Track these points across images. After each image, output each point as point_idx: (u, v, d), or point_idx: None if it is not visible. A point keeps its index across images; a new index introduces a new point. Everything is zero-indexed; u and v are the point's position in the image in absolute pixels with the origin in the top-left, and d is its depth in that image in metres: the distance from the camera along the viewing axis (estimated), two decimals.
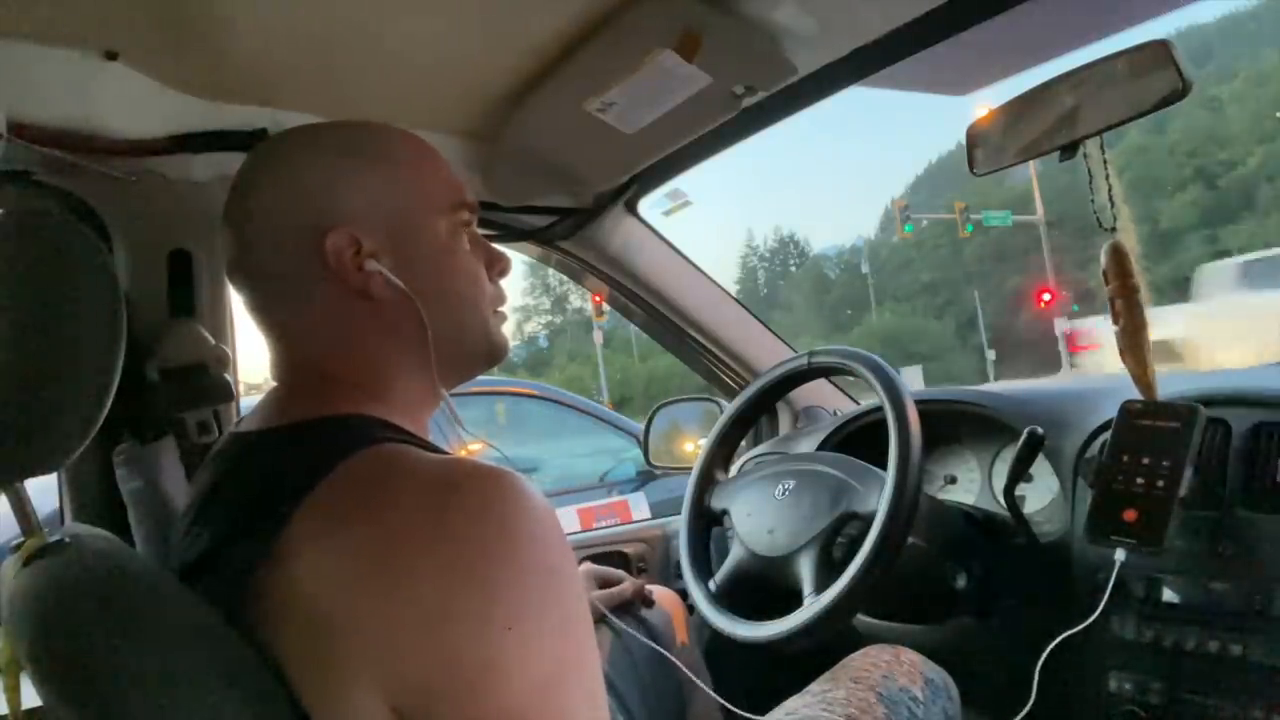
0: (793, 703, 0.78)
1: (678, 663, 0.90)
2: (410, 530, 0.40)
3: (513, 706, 0.37)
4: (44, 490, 0.60)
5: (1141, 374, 0.80)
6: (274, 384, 0.57)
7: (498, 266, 0.61)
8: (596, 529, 1.45)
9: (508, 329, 0.64)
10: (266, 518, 0.42)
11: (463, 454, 0.57)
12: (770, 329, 1.43)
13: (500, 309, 0.61)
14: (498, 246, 0.62)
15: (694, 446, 1.46)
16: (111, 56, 0.73)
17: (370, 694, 0.38)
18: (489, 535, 0.39)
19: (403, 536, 0.39)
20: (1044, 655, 0.78)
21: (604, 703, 0.42)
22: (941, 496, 1.09)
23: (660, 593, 1.04)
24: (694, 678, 0.89)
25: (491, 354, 0.60)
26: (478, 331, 0.59)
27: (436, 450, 0.49)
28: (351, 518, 0.41)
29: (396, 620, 0.38)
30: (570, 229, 1.20)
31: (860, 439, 1.16)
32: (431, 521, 0.40)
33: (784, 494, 0.93)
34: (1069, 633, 0.78)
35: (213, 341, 0.88)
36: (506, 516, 0.40)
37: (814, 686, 0.80)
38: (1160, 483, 0.76)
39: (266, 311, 0.56)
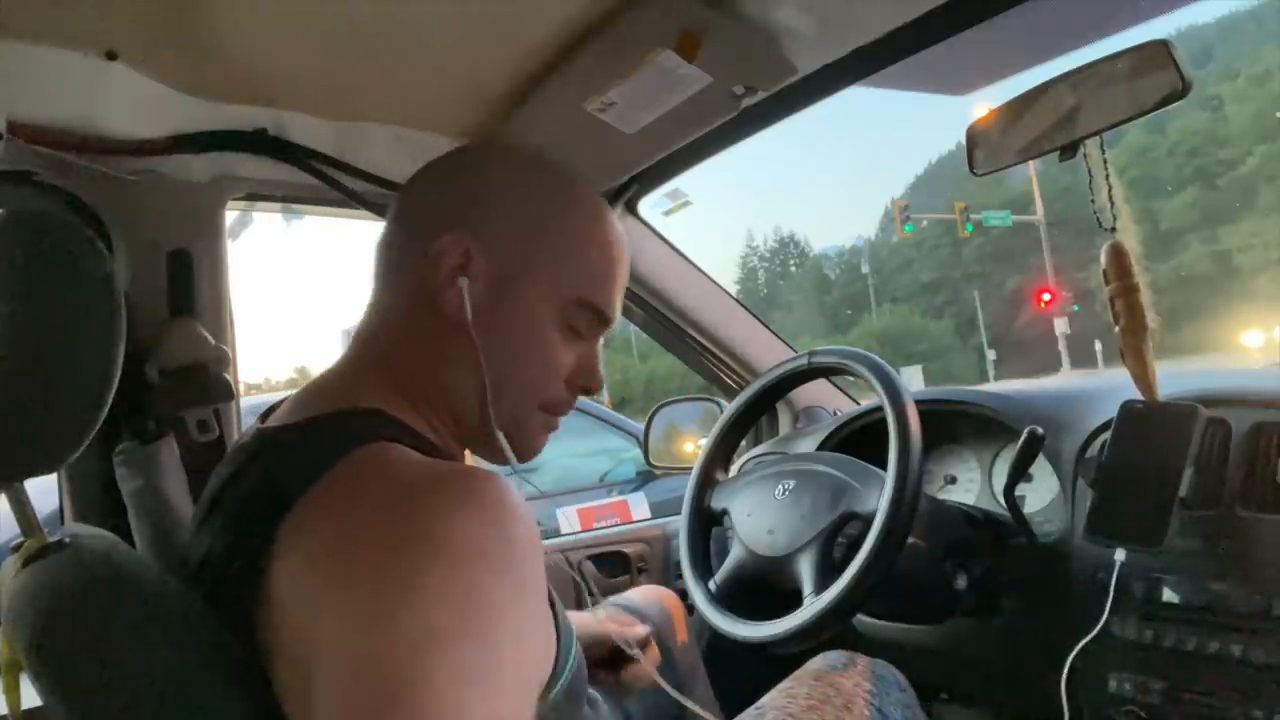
0: (765, 700, 0.80)
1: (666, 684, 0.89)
2: (368, 533, 0.38)
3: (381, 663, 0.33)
4: (44, 491, 0.60)
5: (1142, 374, 0.80)
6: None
7: (585, 383, 0.57)
8: (597, 529, 1.45)
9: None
10: (264, 521, 0.42)
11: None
12: (770, 329, 1.43)
13: (553, 416, 0.58)
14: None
15: (694, 446, 1.46)
16: (111, 56, 0.73)
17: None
18: (435, 533, 0.37)
19: (361, 540, 0.38)
20: (1066, 665, 0.78)
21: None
22: (941, 496, 1.09)
23: (660, 593, 1.04)
24: (684, 700, 0.88)
25: (509, 441, 0.55)
26: (507, 414, 0.55)
27: (441, 453, 0.48)
28: (325, 525, 0.40)
29: (336, 625, 0.36)
30: None
31: (860, 439, 1.16)
32: (389, 520, 0.38)
33: (784, 494, 0.93)
34: (1085, 640, 0.78)
35: (213, 341, 0.88)
36: (463, 517, 0.38)
37: (782, 684, 0.82)
38: (1160, 483, 0.76)
39: (375, 273, 0.57)
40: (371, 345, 0.56)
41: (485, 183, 0.55)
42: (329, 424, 0.48)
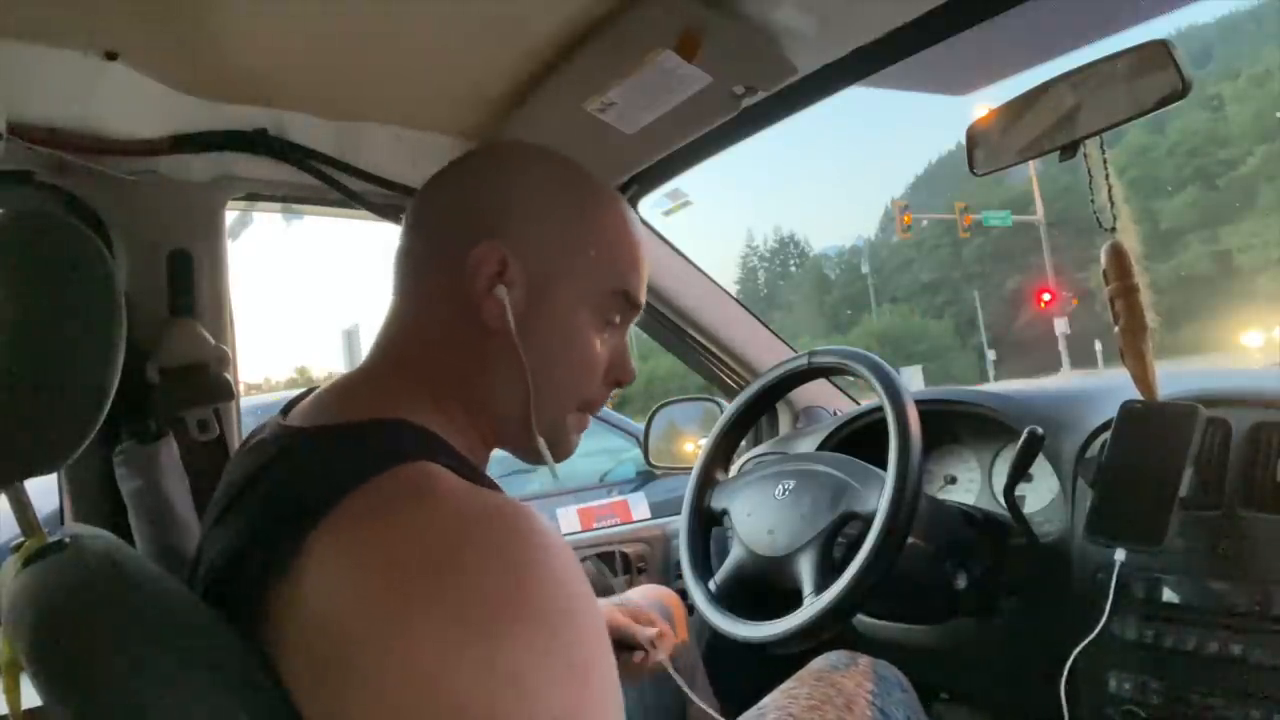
0: (767, 700, 0.80)
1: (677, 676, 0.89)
2: (422, 563, 0.38)
3: None
4: (45, 491, 0.60)
5: (1142, 374, 0.80)
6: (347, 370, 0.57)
7: (618, 376, 0.59)
8: (596, 529, 1.45)
9: None
10: (288, 527, 0.42)
11: None
12: (770, 329, 1.43)
13: (587, 413, 0.59)
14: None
15: (694, 446, 1.46)
16: (111, 56, 0.73)
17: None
18: (502, 577, 0.38)
19: (414, 568, 0.38)
20: (1066, 666, 0.78)
21: None
22: (941, 496, 1.09)
23: (660, 592, 1.04)
24: (690, 692, 0.89)
25: (547, 441, 0.56)
26: (548, 415, 0.55)
27: (475, 473, 0.47)
28: (367, 540, 0.40)
29: (401, 658, 0.36)
30: None
31: (860, 439, 1.16)
32: (445, 556, 0.38)
33: (784, 494, 0.93)
34: (1086, 641, 0.77)
35: (213, 341, 0.88)
36: (520, 558, 0.39)
37: (784, 685, 0.82)
38: (1160, 483, 0.76)
39: (398, 288, 0.57)
40: (397, 353, 0.55)
41: (509, 187, 0.55)
42: (363, 432, 0.47)
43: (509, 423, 0.55)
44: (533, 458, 0.57)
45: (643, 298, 0.59)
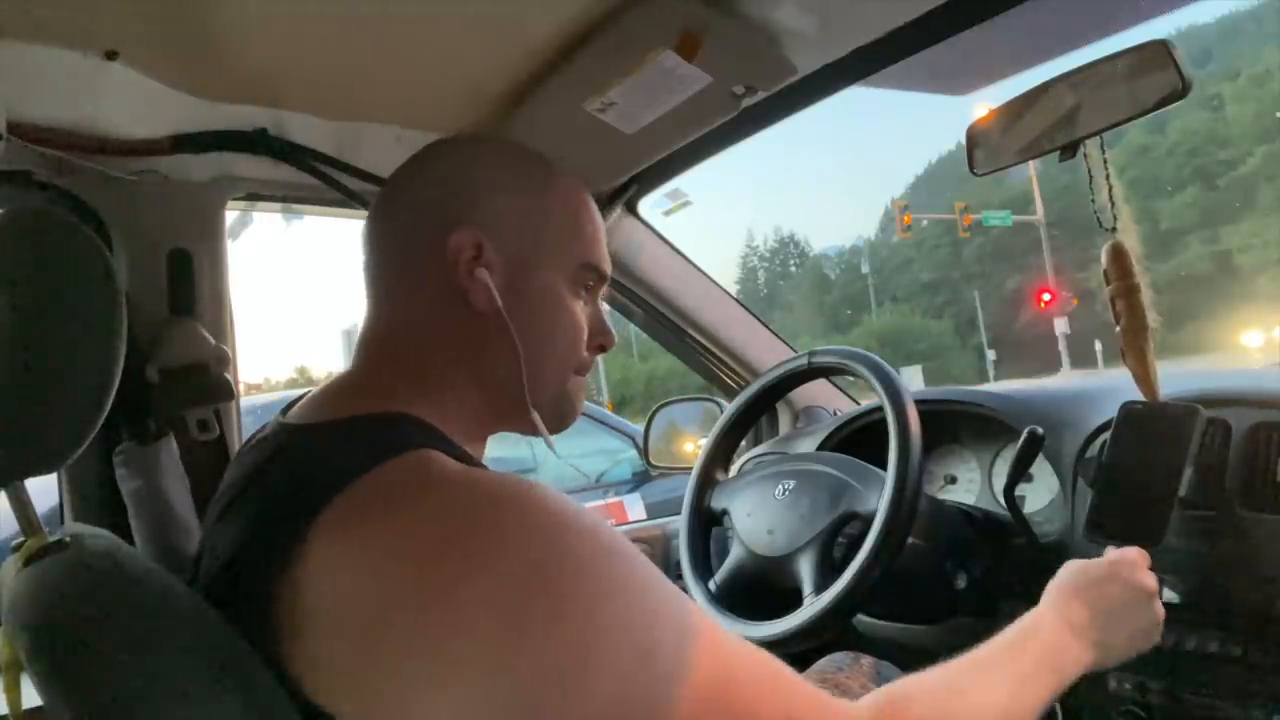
0: None
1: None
2: (443, 547, 0.38)
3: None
4: (45, 490, 0.59)
5: (1143, 373, 0.80)
6: (340, 371, 0.58)
7: (600, 341, 0.62)
8: None
9: None
10: (289, 522, 0.42)
11: None
12: (770, 329, 1.43)
13: (582, 376, 0.62)
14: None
15: (694, 446, 1.46)
16: (111, 56, 0.73)
17: (428, 701, 0.36)
18: (534, 547, 0.38)
19: (435, 553, 0.38)
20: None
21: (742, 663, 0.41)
22: (941, 496, 1.09)
23: None
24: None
25: (555, 411, 0.59)
26: (552, 386, 0.58)
27: (472, 463, 0.47)
28: (379, 529, 0.40)
29: (450, 643, 0.36)
30: None
31: (860, 439, 1.16)
32: (469, 537, 0.38)
33: (784, 494, 0.93)
34: None
35: (213, 341, 0.88)
36: (548, 527, 0.39)
37: None
38: (1160, 483, 0.76)
39: (376, 287, 0.57)
40: (385, 349, 0.56)
41: (472, 177, 0.57)
42: (364, 424, 0.48)
43: (513, 401, 0.56)
44: (534, 430, 0.59)
45: (609, 268, 0.61)
